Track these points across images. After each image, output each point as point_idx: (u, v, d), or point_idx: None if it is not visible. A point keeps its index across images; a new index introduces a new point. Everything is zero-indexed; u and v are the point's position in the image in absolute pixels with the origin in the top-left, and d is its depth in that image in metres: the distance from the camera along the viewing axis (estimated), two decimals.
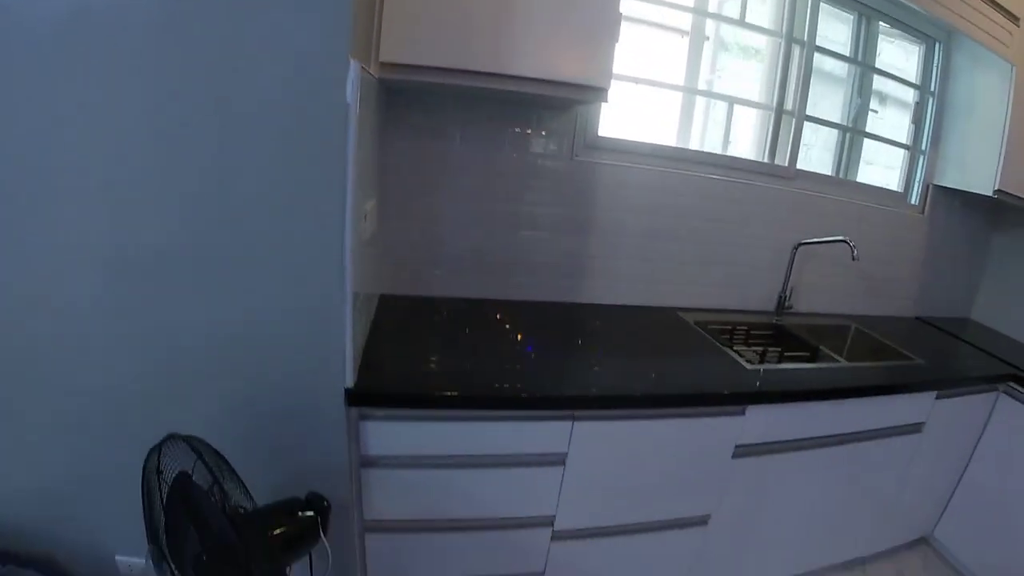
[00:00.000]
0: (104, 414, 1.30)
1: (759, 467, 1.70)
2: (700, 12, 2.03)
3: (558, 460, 1.47)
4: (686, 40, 2.06)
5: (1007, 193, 2.12)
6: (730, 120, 2.21)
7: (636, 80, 1.95)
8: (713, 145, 2.23)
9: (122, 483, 1.20)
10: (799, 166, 2.24)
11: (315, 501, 1.21)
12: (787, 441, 1.70)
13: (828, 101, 2.35)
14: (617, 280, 2.10)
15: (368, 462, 1.37)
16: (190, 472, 1.04)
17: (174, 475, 1.05)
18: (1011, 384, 2.03)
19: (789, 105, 2.15)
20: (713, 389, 1.56)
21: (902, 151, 2.45)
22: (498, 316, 1.87)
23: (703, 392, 1.54)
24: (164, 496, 1.07)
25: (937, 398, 1.91)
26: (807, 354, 2.11)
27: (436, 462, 1.40)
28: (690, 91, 2.09)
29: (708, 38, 2.11)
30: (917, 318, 2.61)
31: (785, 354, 2.21)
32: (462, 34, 1.35)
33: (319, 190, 1.14)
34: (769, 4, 2.14)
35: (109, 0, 1.01)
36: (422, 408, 1.34)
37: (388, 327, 1.64)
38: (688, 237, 2.12)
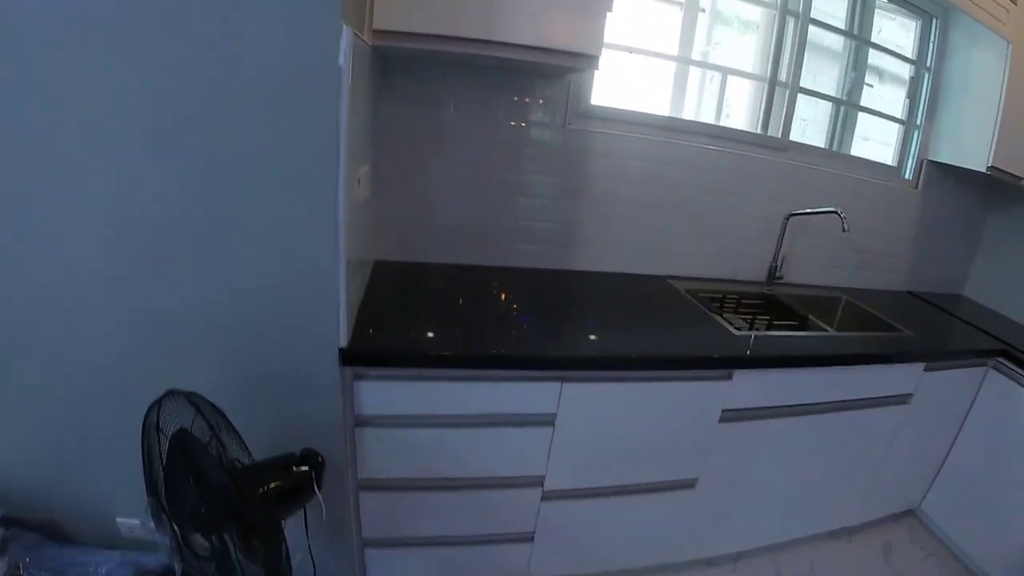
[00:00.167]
0: (104, 379, 1.35)
1: (746, 432, 1.76)
2: None
3: (547, 421, 1.52)
4: (681, 12, 2.08)
5: (1000, 170, 2.15)
6: (723, 91, 2.23)
7: (630, 50, 1.98)
8: (708, 117, 2.26)
9: (121, 447, 1.25)
10: (796, 139, 2.27)
11: (310, 456, 1.27)
12: (774, 407, 1.76)
13: (825, 76, 2.38)
14: (609, 248, 2.15)
15: (362, 421, 1.42)
16: (189, 427, 1.08)
17: (174, 430, 1.09)
18: (1000, 360, 2.07)
19: (783, 77, 2.18)
20: (700, 353, 1.61)
21: (898, 127, 2.48)
22: (491, 282, 1.92)
23: (690, 356, 1.58)
24: (163, 450, 1.11)
25: (925, 370, 1.96)
26: (796, 323, 2.16)
27: (428, 422, 1.46)
28: (683, 61, 2.12)
29: (703, 10, 2.13)
30: (909, 292, 2.65)
31: (774, 323, 2.26)
32: (455, 1, 1.38)
33: (313, 155, 1.17)
34: None
35: None
36: (414, 367, 1.39)
37: (383, 292, 1.69)
38: (680, 206, 2.16)
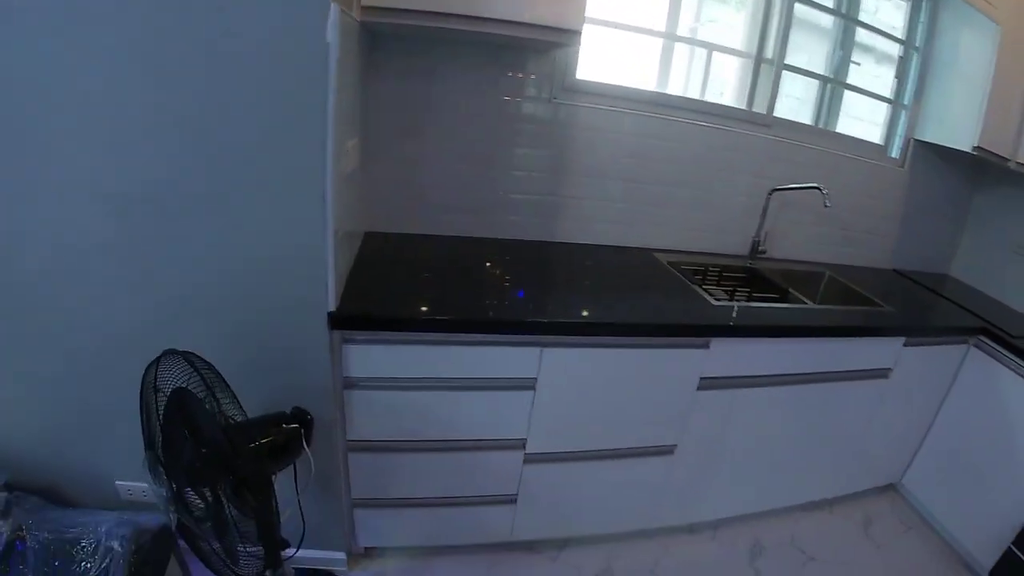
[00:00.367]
0: (102, 348, 1.43)
1: (724, 400, 1.84)
2: None
3: (528, 385, 1.61)
4: None
5: (986, 150, 2.20)
6: (708, 68, 2.29)
7: (616, 25, 2.04)
8: (695, 93, 2.32)
9: (120, 412, 1.34)
10: (788, 117, 2.34)
11: (300, 415, 1.36)
12: (752, 376, 1.84)
13: (814, 54, 2.42)
14: (595, 221, 2.22)
15: (350, 384, 1.51)
16: (185, 385, 1.16)
17: (171, 387, 1.16)
18: (981, 337, 2.13)
19: (769, 54, 2.24)
20: (676, 321, 1.69)
21: (886, 107, 2.54)
22: (477, 253, 2.00)
23: (665, 323, 1.66)
24: (160, 406, 1.20)
25: (905, 345, 2.03)
26: (777, 296, 2.24)
27: (414, 384, 1.54)
28: (669, 37, 2.18)
29: None
30: (895, 271, 2.72)
31: (754, 295, 2.34)
32: None
33: (302, 127, 1.25)
34: None
35: None
36: (399, 331, 1.48)
37: (371, 260, 1.77)
38: (665, 180, 2.22)
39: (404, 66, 1.85)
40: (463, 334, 1.51)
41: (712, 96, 2.34)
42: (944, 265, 2.85)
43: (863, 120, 2.62)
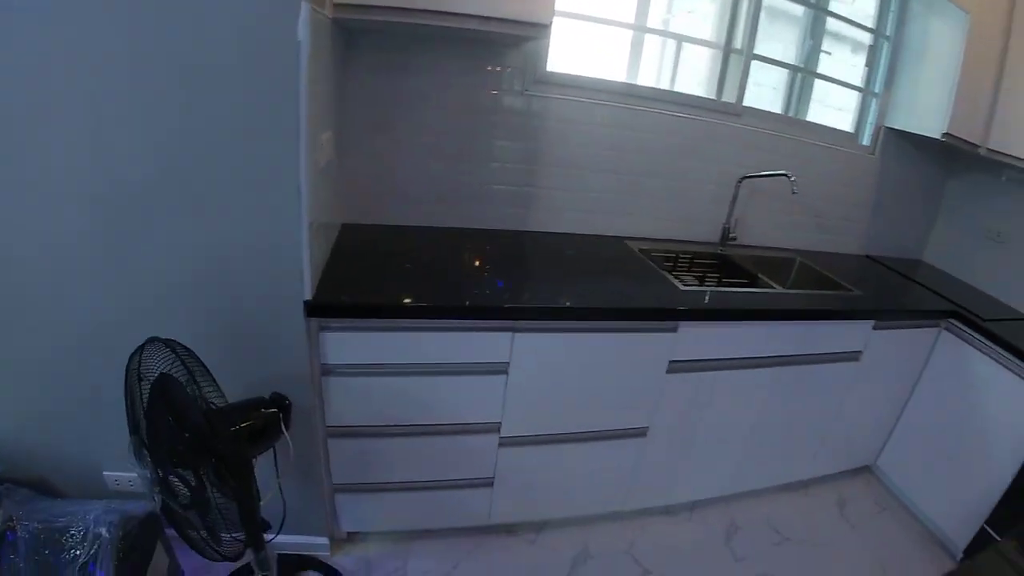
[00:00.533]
0: (87, 340, 1.48)
1: (694, 383, 1.92)
2: None
3: (501, 369, 1.68)
4: None
5: (955, 137, 2.27)
6: (678, 58, 2.36)
7: (586, 18, 2.11)
8: (666, 84, 2.39)
9: (106, 404, 1.40)
10: (758, 106, 2.41)
11: (278, 400, 1.42)
12: (720, 359, 1.92)
13: (789, 44, 2.50)
14: (566, 210, 2.29)
15: (328, 370, 1.58)
16: (169, 371, 1.23)
17: (155, 374, 1.23)
18: (952, 321, 2.21)
19: (738, 44, 2.31)
20: (643, 305, 1.77)
21: (856, 94, 2.63)
22: (452, 243, 2.06)
23: (632, 307, 1.74)
24: (144, 393, 1.26)
25: (874, 328, 2.11)
26: (747, 281, 2.31)
27: (390, 370, 1.61)
28: (638, 29, 2.25)
29: None
30: (868, 256, 2.81)
31: (724, 280, 2.41)
32: None
33: (276, 123, 1.31)
34: None
35: None
36: (373, 318, 1.55)
37: (347, 251, 1.84)
38: (636, 169, 2.29)
39: (379, 61, 1.90)
40: (436, 319, 1.58)
41: (683, 87, 2.40)
42: (918, 251, 2.94)
43: (843, 110, 2.69)
